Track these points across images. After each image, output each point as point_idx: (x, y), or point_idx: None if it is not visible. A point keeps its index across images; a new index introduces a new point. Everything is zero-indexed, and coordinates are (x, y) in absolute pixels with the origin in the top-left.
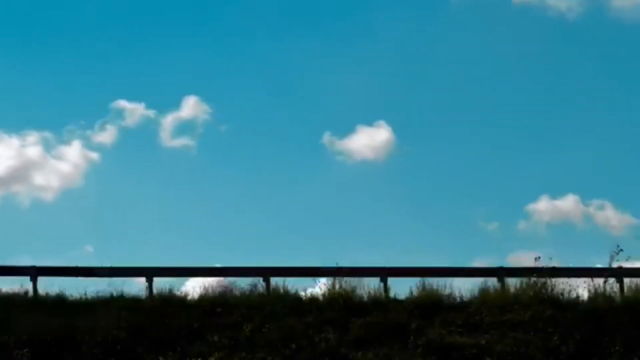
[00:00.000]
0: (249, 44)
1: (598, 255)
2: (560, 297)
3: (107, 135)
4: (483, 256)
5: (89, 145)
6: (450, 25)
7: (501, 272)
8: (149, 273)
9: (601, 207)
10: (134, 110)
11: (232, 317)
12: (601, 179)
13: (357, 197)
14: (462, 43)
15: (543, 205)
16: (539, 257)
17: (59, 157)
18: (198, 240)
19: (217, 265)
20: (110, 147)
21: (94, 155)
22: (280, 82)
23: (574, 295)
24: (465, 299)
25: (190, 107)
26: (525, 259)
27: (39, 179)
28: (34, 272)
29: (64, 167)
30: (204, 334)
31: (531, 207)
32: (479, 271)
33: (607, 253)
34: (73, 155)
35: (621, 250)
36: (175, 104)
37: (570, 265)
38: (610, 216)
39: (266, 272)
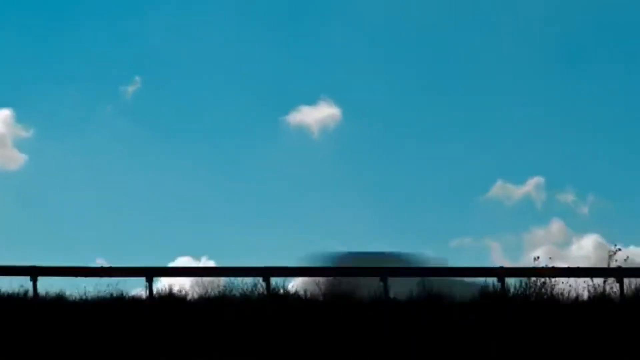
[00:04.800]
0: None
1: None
2: (560, 297)
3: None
4: (427, 241)
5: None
6: None
7: (501, 272)
8: (149, 273)
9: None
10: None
11: (232, 317)
12: (565, 163)
13: (299, 178)
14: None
15: (499, 189)
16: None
17: None
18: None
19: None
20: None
21: (26, 134)
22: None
23: (573, 295)
24: (465, 299)
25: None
26: (471, 245)
27: None
28: (34, 272)
29: None
30: (204, 334)
31: (487, 190)
32: (479, 271)
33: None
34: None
35: (619, 249)
36: (122, 84)
37: (570, 265)
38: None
39: (266, 272)
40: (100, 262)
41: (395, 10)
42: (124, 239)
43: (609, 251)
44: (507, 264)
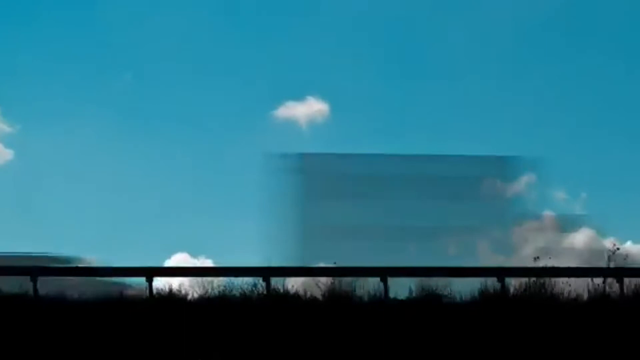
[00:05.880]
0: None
1: None
2: (560, 297)
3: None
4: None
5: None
6: None
7: (501, 272)
8: (149, 273)
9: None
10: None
11: (232, 317)
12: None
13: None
14: None
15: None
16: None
17: None
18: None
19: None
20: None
21: (11, 129)
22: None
23: (574, 295)
24: (465, 299)
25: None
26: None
27: None
28: (35, 272)
29: None
30: (204, 334)
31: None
32: (479, 271)
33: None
34: None
35: (618, 249)
36: (110, 79)
37: (570, 265)
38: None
39: (266, 272)
40: (88, 259)
41: (383, 7)
42: (115, 236)
43: (608, 251)
44: (498, 259)
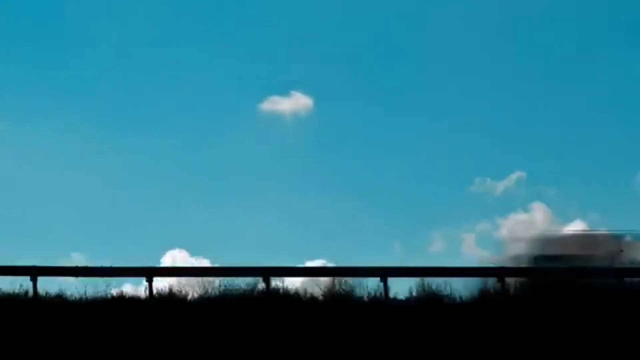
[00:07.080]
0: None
1: None
2: (560, 296)
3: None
4: (406, 234)
5: None
6: None
7: (501, 272)
8: (149, 273)
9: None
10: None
11: (232, 317)
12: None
13: (273, 163)
14: None
15: (479, 184)
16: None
17: None
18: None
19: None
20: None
21: None
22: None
23: (573, 295)
24: (465, 299)
25: None
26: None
27: None
28: (34, 272)
29: None
30: (204, 334)
31: (468, 185)
32: (479, 271)
33: None
34: None
35: (622, 250)
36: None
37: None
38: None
39: (266, 272)
40: (75, 257)
41: (368, 2)
42: (109, 234)
43: (612, 252)
44: (491, 255)
